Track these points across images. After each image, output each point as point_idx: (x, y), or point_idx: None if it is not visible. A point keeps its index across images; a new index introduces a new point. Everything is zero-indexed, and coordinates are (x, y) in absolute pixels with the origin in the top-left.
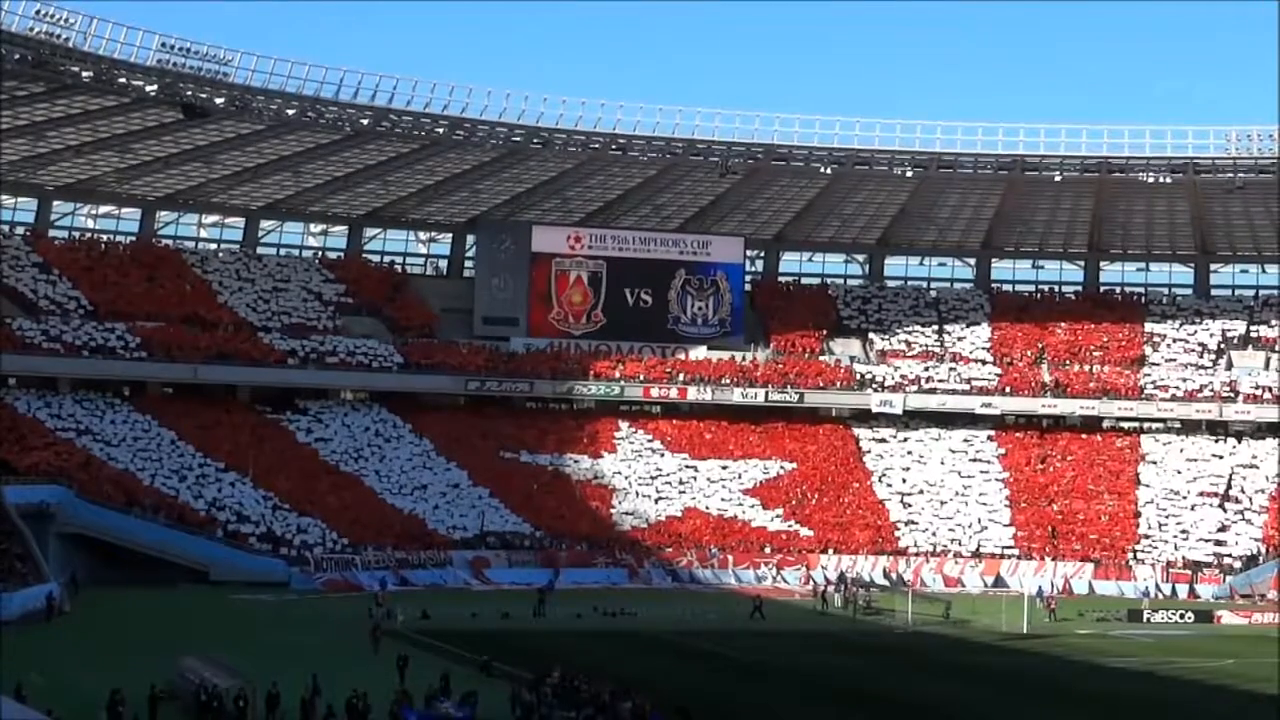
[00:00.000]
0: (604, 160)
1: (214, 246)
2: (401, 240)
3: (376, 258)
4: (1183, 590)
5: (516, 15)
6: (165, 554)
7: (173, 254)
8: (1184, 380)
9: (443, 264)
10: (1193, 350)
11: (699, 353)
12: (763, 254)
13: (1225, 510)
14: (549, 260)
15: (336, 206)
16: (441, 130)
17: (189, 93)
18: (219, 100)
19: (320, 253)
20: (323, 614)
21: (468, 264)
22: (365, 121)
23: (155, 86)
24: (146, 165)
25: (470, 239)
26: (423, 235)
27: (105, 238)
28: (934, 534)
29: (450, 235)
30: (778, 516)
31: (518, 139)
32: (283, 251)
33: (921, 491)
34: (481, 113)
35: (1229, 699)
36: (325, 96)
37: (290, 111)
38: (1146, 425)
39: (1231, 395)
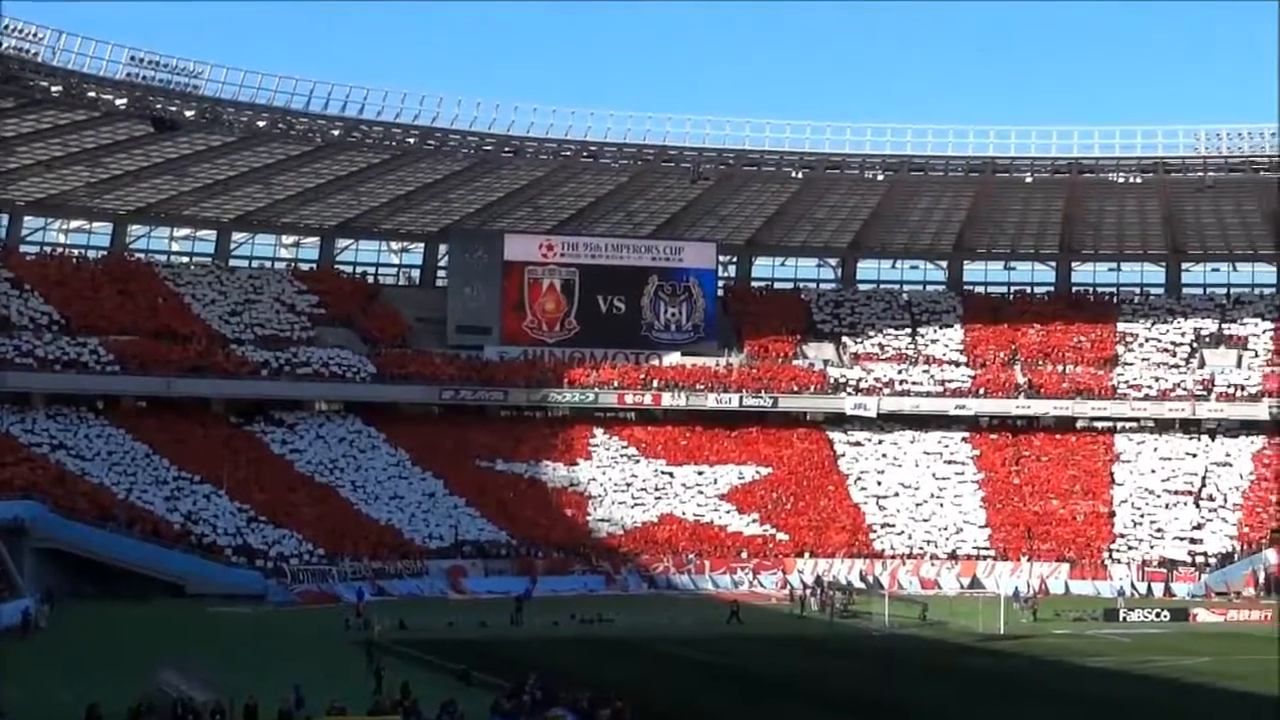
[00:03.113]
0: (575, 168)
1: (186, 259)
2: (374, 250)
3: (349, 268)
4: (1158, 589)
5: (485, 22)
6: (141, 568)
7: (145, 268)
8: (1157, 379)
9: (415, 274)
10: (1165, 349)
11: (673, 359)
12: (735, 259)
13: (1199, 508)
14: (521, 268)
15: (308, 218)
16: (412, 140)
17: (159, 106)
18: (189, 113)
19: (293, 264)
20: (300, 625)
21: (440, 273)
22: (336, 132)
23: (125, 100)
24: (117, 179)
25: (443, 248)
26: (395, 245)
27: (77, 252)
28: (910, 536)
29: (423, 245)
30: (754, 521)
31: (488, 148)
32: (255, 263)
33: (897, 494)
34: (452, 122)
35: (1206, 697)
36: (295, 108)
37: (261, 123)
38: (1120, 425)
39: (1205, 394)
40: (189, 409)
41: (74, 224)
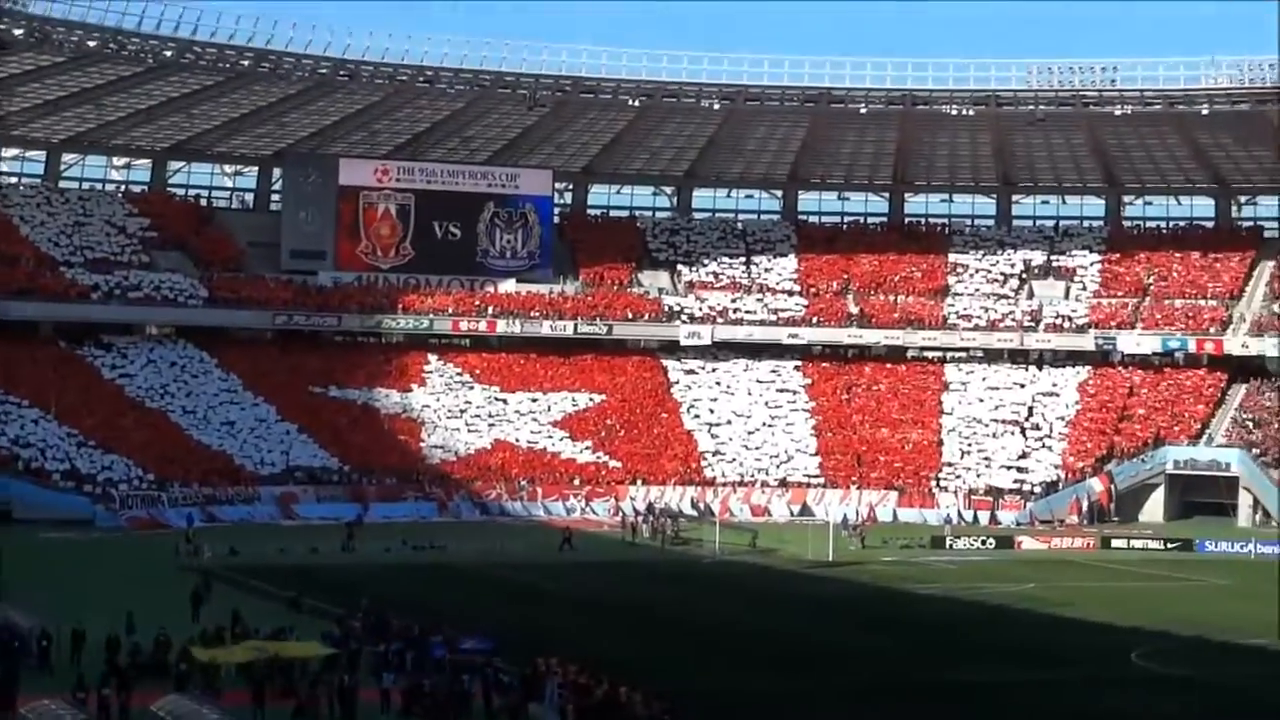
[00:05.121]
0: (411, 93)
1: (14, 180)
2: (207, 174)
3: (181, 191)
4: (984, 517)
5: None
6: None
7: None
8: (986, 310)
9: (249, 198)
10: (995, 280)
11: (508, 286)
12: (571, 187)
13: (1026, 437)
14: (356, 193)
15: (140, 139)
16: (246, 63)
17: None
18: (17, 31)
19: (124, 186)
20: (130, 552)
21: (274, 197)
22: (168, 54)
23: None
24: None
25: (277, 172)
26: (228, 169)
27: None
28: (741, 464)
29: (256, 169)
30: (587, 448)
31: (323, 71)
32: (85, 185)
33: (729, 422)
34: (286, 45)
35: (1032, 621)
36: (127, 28)
37: (91, 43)
38: (950, 354)
39: (1033, 324)
40: (17, 332)
41: None
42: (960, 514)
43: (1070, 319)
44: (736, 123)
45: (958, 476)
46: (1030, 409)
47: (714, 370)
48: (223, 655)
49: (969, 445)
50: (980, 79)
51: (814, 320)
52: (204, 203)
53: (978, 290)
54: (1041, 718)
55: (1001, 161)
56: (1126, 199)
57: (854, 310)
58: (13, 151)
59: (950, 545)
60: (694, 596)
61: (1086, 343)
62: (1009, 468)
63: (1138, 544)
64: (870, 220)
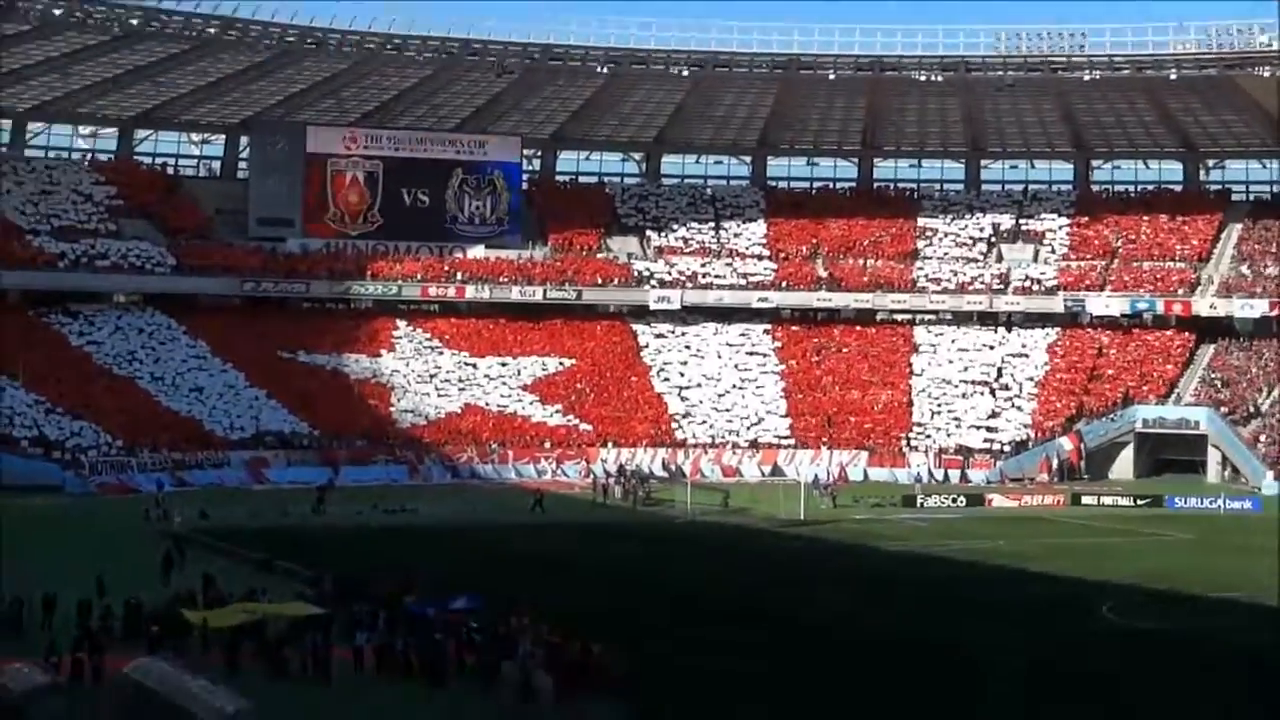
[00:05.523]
0: (379, 60)
1: None
2: (174, 142)
3: (148, 160)
4: (955, 475)
5: None
6: None
7: None
8: (955, 273)
9: (216, 165)
10: (964, 243)
11: (477, 252)
12: (539, 153)
13: (995, 398)
14: (324, 161)
15: (107, 108)
16: (213, 30)
17: None
18: None
19: (90, 155)
20: (99, 517)
21: (242, 165)
22: (134, 22)
23: None
24: None
25: (244, 140)
26: (195, 137)
27: None
28: (712, 426)
29: (224, 137)
30: (557, 412)
31: (291, 39)
32: (52, 154)
33: (699, 385)
34: (254, 13)
35: (1002, 576)
36: None
37: (57, 12)
38: (919, 317)
39: (1001, 287)
40: None
41: None
42: (931, 473)
43: (1039, 282)
44: (705, 89)
45: (928, 436)
46: (1000, 370)
47: (683, 334)
48: (214, 617)
49: (939, 406)
50: (949, 45)
51: (783, 284)
52: (171, 171)
53: (947, 254)
54: (1011, 671)
55: (970, 127)
56: (1095, 163)
57: (823, 274)
58: None
59: (921, 504)
60: (666, 555)
61: (1055, 305)
62: (979, 427)
63: (1107, 500)
64: (839, 185)
